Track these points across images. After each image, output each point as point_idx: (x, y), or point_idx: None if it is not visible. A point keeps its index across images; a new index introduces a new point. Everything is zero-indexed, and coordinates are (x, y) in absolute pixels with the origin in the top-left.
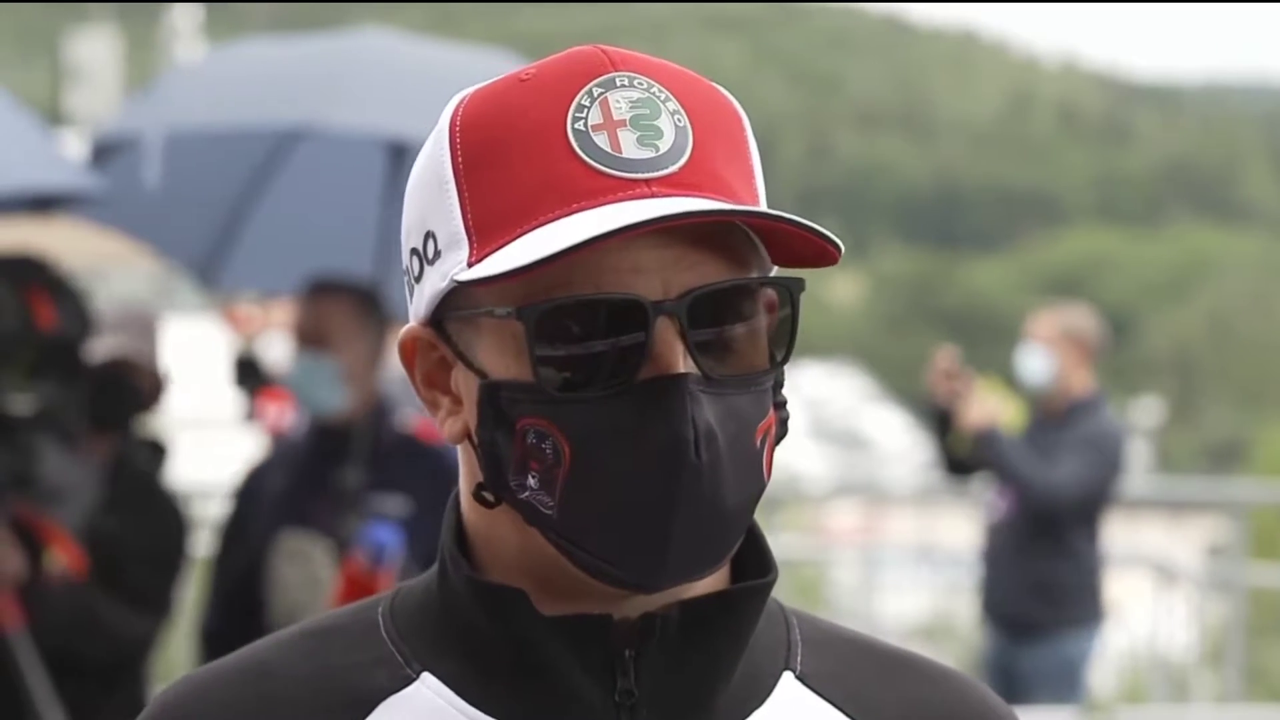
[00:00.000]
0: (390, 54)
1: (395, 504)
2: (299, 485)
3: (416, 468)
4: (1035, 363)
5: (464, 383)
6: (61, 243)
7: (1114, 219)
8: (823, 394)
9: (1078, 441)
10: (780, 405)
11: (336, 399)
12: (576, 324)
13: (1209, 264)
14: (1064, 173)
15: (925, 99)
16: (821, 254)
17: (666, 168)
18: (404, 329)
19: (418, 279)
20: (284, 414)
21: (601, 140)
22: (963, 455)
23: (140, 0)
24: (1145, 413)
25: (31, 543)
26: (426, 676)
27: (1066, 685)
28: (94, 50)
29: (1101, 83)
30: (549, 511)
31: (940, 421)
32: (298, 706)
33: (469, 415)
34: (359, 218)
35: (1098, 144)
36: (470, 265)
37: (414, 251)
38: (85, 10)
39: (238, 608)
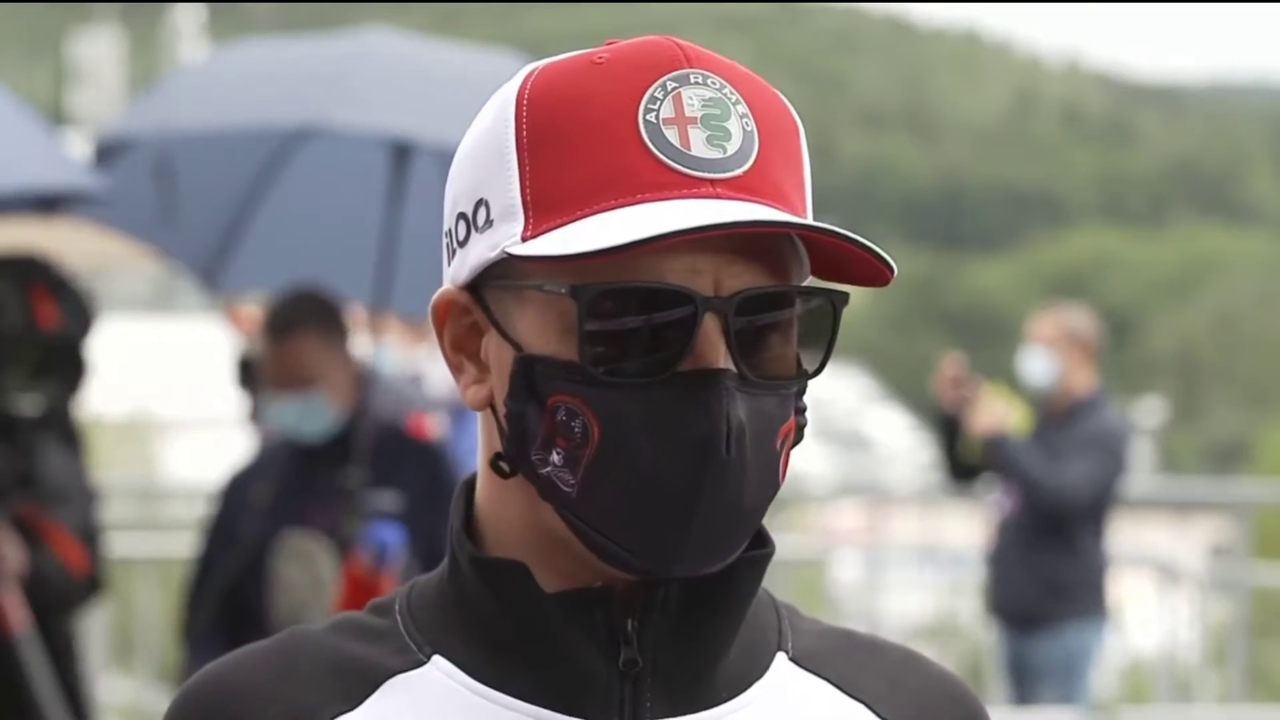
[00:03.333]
0: (395, 54)
1: (389, 499)
2: (288, 486)
3: (408, 463)
4: (1038, 364)
5: (495, 352)
6: (64, 243)
7: (1118, 219)
8: (826, 394)
9: (1084, 441)
10: (800, 411)
11: (325, 425)
12: (627, 309)
13: (1213, 264)
14: (1068, 173)
15: (929, 99)
16: (874, 274)
17: (732, 170)
18: (439, 290)
19: (462, 244)
20: None
21: (672, 135)
22: (972, 461)
23: (144, 0)
24: (1149, 413)
25: (34, 542)
26: (437, 659)
27: (1073, 677)
28: (97, 50)
29: (1105, 83)
30: (568, 490)
31: (948, 428)
32: (314, 683)
33: (497, 384)
34: (363, 218)
35: (1102, 144)
36: (524, 239)
37: (462, 216)
38: (89, 10)
39: (227, 613)
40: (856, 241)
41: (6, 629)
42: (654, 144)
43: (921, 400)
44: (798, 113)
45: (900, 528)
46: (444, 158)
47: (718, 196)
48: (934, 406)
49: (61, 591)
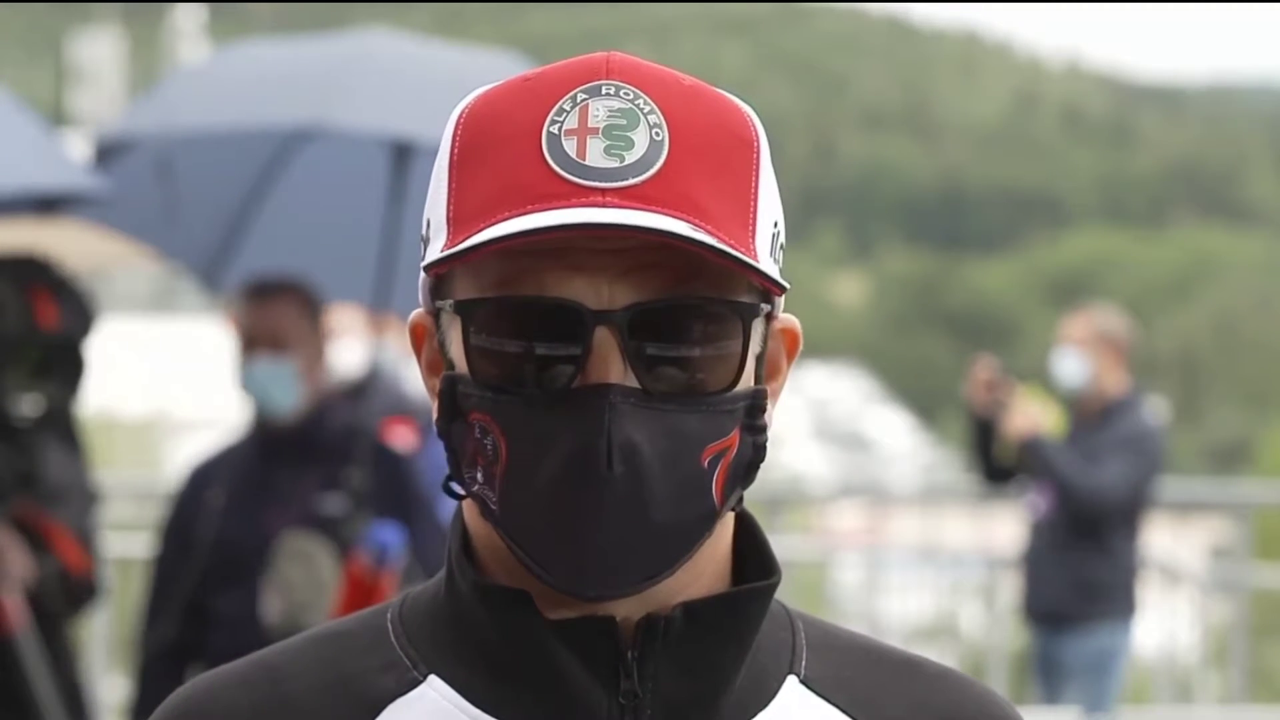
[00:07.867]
0: (395, 55)
1: (334, 502)
2: (243, 487)
3: (374, 468)
4: (1071, 365)
5: None
6: (65, 244)
7: (1118, 220)
8: (826, 395)
9: (1119, 442)
10: (757, 429)
11: (293, 399)
12: (518, 324)
13: (1213, 265)
14: (1068, 174)
15: (929, 100)
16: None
17: (627, 179)
18: (413, 313)
19: (422, 265)
20: None
21: (570, 146)
22: (1008, 464)
23: (144, 1)
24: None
25: (34, 544)
26: (433, 679)
27: (1103, 676)
28: (98, 51)
29: (1106, 84)
30: (494, 507)
31: (981, 431)
32: (307, 709)
33: None
34: (364, 218)
35: (1102, 145)
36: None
37: (422, 239)
38: (89, 11)
39: (189, 618)
40: (698, 243)
41: (6, 629)
42: (550, 155)
43: (922, 401)
44: (797, 114)
45: (900, 529)
46: None
47: (605, 205)
48: (968, 409)
49: (61, 593)
